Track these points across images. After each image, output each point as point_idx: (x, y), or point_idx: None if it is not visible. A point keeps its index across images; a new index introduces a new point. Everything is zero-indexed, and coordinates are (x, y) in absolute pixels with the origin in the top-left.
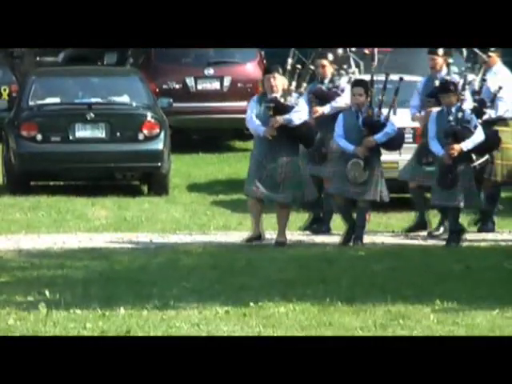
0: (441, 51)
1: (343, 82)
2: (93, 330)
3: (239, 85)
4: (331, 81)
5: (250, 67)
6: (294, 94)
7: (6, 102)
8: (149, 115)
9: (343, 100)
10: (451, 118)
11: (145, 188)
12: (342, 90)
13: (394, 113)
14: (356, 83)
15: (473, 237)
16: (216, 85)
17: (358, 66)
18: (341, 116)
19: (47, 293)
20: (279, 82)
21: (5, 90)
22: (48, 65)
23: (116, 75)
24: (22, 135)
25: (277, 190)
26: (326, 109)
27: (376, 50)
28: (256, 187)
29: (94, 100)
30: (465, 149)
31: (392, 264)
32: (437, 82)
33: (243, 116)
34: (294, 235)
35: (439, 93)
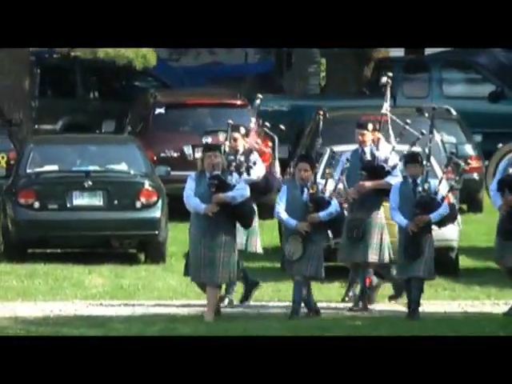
0: (370, 126)
1: (255, 156)
2: None
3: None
4: (244, 154)
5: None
6: (235, 174)
7: (4, 170)
8: (146, 183)
9: (255, 173)
10: (420, 188)
11: (142, 256)
12: (254, 163)
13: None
14: (301, 158)
15: (469, 308)
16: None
17: (273, 140)
18: (284, 188)
19: None
20: (219, 160)
21: (3, 157)
22: (46, 132)
23: (114, 143)
24: (19, 203)
25: (215, 270)
26: None
27: (321, 126)
28: (198, 272)
29: (91, 168)
30: (433, 220)
31: (388, 333)
32: (367, 156)
33: None
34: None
35: (406, 163)
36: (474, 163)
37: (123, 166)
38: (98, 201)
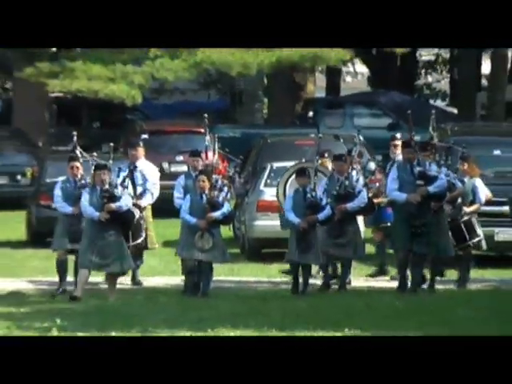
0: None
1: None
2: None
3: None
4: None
5: (210, 155)
6: (119, 187)
7: (30, 180)
8: None
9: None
10: (309, 195)
11: None
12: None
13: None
14: (201, 172)
15: (373, 283)
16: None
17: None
18: (188, 196)
19: (58, 320)
20: (107, 177)
21: (29, 171)
22: (61, 152)
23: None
24: (40, 204)
25: (107, 262)
26: None
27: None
28: (89, 261)
29: None
30: (319, 219)
31: (314, 302)
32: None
33: None
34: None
35: (296, 176)
36: (377, 176)
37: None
38: None
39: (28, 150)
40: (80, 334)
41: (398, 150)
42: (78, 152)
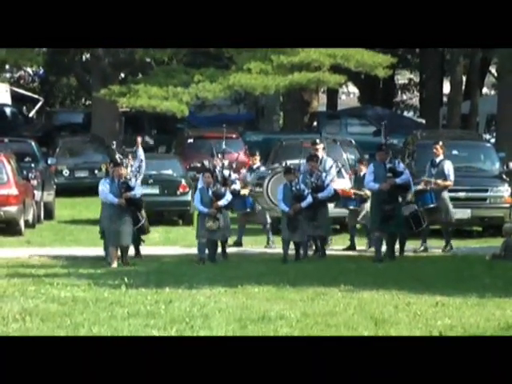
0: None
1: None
2: (151, 299)
3: (233, 164)
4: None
5: (241, 155)
6: (133, 179)
7: (104, 173)
8: (183, 181)
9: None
10: (293, 188)
11: (180, 221)
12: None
13: None
14: (206, 170)
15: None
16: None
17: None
18: (198, 190)
19: (126, 279)
20: (124, 171)
21: (103, 166)
22: (128, 152)
23: (165, 159)
24: None
25: (124, 237)
26: None
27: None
28: (113, 235)
29: (153, 172)
30: (303, 206)
31: (317, 265)
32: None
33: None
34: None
35: (284, 173)
36: (364, 170)
37: (170, 171)
38: (156, 190)
39: (103, 151)
40: (142, 290)
41: (318, 152)
42: (118, 156)
